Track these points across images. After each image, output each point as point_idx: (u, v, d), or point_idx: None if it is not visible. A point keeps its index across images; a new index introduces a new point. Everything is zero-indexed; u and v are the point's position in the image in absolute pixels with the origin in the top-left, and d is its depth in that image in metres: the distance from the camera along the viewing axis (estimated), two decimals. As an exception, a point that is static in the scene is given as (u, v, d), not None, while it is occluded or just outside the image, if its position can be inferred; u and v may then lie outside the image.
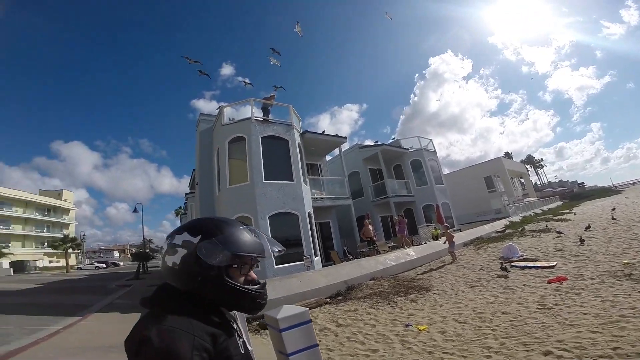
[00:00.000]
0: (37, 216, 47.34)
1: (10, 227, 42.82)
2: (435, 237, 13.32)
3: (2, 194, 42.05)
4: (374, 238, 12.49)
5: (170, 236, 0.88)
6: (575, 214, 19.58)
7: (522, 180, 38.37)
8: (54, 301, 11.76)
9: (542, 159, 75.01)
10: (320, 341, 3.98)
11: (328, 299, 7.89)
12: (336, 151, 17.39)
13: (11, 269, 33.36)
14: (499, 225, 16.73)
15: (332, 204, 14.54)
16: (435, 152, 21.78)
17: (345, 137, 16.61)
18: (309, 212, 11.99)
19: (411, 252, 11.06)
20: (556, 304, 5.01)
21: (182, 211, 34.97)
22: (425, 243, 12.59)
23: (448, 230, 10.92)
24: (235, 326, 0.88)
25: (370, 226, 12.39)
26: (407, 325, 5.35)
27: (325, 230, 14.72)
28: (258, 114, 12.63)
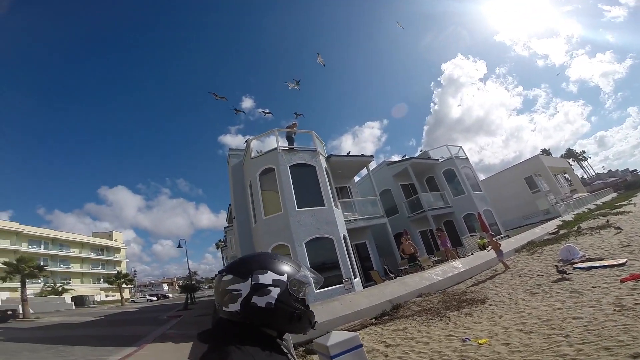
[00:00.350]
0: (92, 255, 51.52)
1: (70, 266, 46.96)
2: (482, 247, 12.45)
3: (61, 238, 46.45)
4: (415, 254, 11.94)
5: (252, 277, 0.86)
6: (635, 204, 17.60)
7: (567, 175, 35.24)
8: (112, 332, 12.49)
9: (583, 151, 69.15)
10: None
11: (373, 320, 7.52)
12: (364, 171, 17.30)
13: (73, 303, 35.99)
14: (551, 226, 15.31)
15: (367, 224, 14.24)
16: (467, 158, 20.91)
17: (372, 156, 16.53)
18: (343, 235, 11.82)
19: (458, 265, 10.37)
20: (637, 304, 4.42)
21: (223, 244, 36.28)
22: (472, 254, 11.77)
23: (493, 239, 10.18)
24: (289, 356, 0.90)
25: (409, 242, 11.91)
26: (464, 340, 4.93)
27: (363, 251, 14.33)
28: (283, 143, 13.01)
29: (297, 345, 6.23)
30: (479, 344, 4.63)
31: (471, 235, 15.03)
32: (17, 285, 23.80)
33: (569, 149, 66.74)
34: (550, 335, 4.26)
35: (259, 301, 0.84)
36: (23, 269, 22.20)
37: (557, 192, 27.41)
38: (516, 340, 4.41)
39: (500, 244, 9.85)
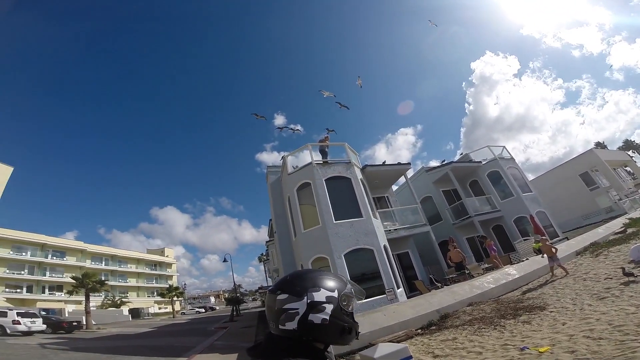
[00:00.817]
0: (147, 270, 55.12)
1: (127, 281, 50.58)
2: (538, 251, 11.37)
3: (120, 255, 50.59)
4: (463, 262, 11.28)
5: (307, 295, 0.89)
6: None
7: (629, 169, 30.94)
8: (165, 343, 13.24)
9: None
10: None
11: (419, 330, 7.19)
12: (402, 179, 16.90)
13: (129, 315, 38.81)
14: (616, 225, 13.51)
15: (408, 234, 13.77)
16: (512, 158, 19.43)
17: (409, 164, 16.12)
18: (384, 245, 11.56)
19: (512, 271, 9.59)
20: None
21: (265, 257, 37.38)
22: (527, 259, 10.79)
23: (547, 242, 9.28)
24: None
25: (456, 250, 11.29)
26: (522, 349, 4.56)
27: (405, 261, 13.81)
28: (317, 157, 13.25)
29: (338, 357, 6.16)
30: (540, 352, 4.26)
31: (524, 240, 13.79)
32: (82, 298, 26.06)
33: (627, 139, 58.94)
34: (624, 341, 3.81)
35: (315, 318, 0.87)
36: (87, 283, 24.31)
37: (619, 188, 24.27)
38: (583, 347, 4.00)
39: (555, 249, 8.98)
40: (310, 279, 0.93)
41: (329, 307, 0.88)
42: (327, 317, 0.87)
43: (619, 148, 46.98)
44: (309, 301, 0.88)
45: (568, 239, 13.67)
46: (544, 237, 9.82)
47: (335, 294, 0.91)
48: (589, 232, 12.95)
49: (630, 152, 40.86)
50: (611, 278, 6.76)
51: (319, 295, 0.89)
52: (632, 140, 57.20)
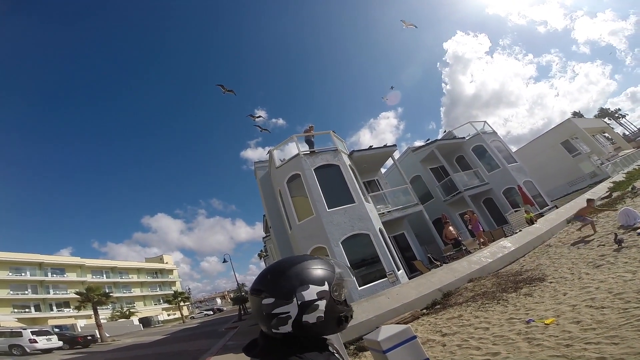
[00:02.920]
0: (149, 279, 55.14)
1: (132, 291, 50.59)
2: (530, 221, 11.69)
3: (119, 266, 50.29)
4: (459, 238, 11.48)
5: (297, 296, 0.80)
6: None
7: (607, 134, 32.40)
8: (180, 349, 13.36)
9: (618, 109, 63.40)
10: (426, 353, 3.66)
11: (424, 310, 7.34)
12: (390, 162, 16.95)
13: (140, 324, 39.48)
14: (601, 190, 14.03)
15: (402, 215, 13.93)
16: (494, 132, 19.73)
17: (395, 145, 16.11)
18: (379, 229, 11.64)
19: (507, 244, 9.83)
20: None
21: (264, 254, 37.62)
22: (520, 230, 11.10)
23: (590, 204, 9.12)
24: (337, 355, 0.88)
25: (451, 227, 11.47)
26: (528, 322, 4.68)
27: (402, 242, 14.03)
28: (303, 147, 13.03)
29: (347, 344, 6.21)
30: (545, 324, 4.37)
31: (515, 211, 14.17)
32: (90, 312, 26.29)
33: (602, 108, 61.48)
34: (627, 309, 3.92)
35: (310, 318, 0.81)
36: (92, 297, 24.48)
37: (600, 153, 25.27)
38: (587, 317, 4.11)
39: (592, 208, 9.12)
40: (296, 275, 0.83)
41: (322, 304, 0.82)
42: (322, 315, 0.81)
43: (595, 116, 48.61)
44: (299, 302, 0.80)
45: (557, 207, 14.12)
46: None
47: (326, 287, 0.83)
48: (577, 198, 13.40)
49: (606, 119, 42.34)
50: (604, 245, 7.00)
51: (309, 294, 0.81)
52: (607, 108, 59.31)
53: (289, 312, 0.79)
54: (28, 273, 36.78)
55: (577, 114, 52.88)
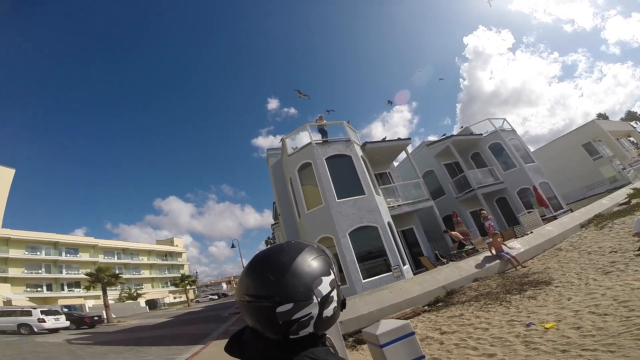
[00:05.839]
0: (159, 261, 56.20)
1: (141, 272, 51.75)
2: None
3: (131, 247, 51.59)
4: (464, 242, 11.37)
5: (315, 293, 0.72)
6: None
7: (632, 139, 30.80)
8: (182, 331, 13.82)
9: None
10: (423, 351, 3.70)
11: (426, 307, 7.40)
12: (403, 155, 16.75)
13: (147, 306, 40.47)
14: (620, 195, 13.47)
15: (412, 209, 13.83)
16: (514, 130, 19.05)
17: (409, 139, 15.87)
18: (388, 222, 11.64)
19: (517, 245, 9.69)
20: None
21: (272, 241, 38.06)
22: (531, 232, 10.88)
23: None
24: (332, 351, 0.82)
25: (455, 233, 11.39)
26: (528, 325, 4.67)
27: (410, 237, 13.99)
28: (316, 137, 13.06)
29: (346, 335, 6.32)
30: (545, 328, 4.36)
31: (528, 212, 13.85)
32: (99, 293, 27.11)
33: (630, 111, 57.66)
34: (629, 317, 3.87)
35: (329, 312, 0.74)
36: (103, 278, 25.15)
37: (623, 157, 24.12)
38: (588, 323, 4.08)
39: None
40: (305, 271, 0.73)
41: (335, 293, 0.76)
42: (336, 304, 0.76)
43: (621, 119, 46.24)
44: (319, 299, 0.72)
45: (572, 211, 13.68)
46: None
47: (332, 275, 0.77)
48: (593, 203, 12.94)
49: (633, 123, 40.19)
50: (616, 251, 6.82)
51: (324, 287, 0.74)
52: (635, 111, 56.10)
53: (310, 313, 0.70)
54: (43, 252, 37.62)
55: (601, 116, 50.38)
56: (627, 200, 12.41)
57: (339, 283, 0.79)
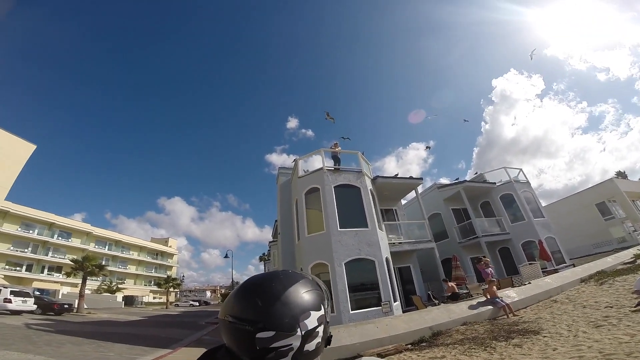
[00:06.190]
0: (148, 259, 54.88)
1: (127, 267, 50.25)
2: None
3: (124, 241, 50.62)
4: (456, 292, 10.96)
5: (300, 326, 0.70)
6: None
7: None
8: (152, 333, 13.17)
9: None
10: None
11: (409, 346, 7.11)
12: (412, 194, 16.74)
13: (123, 302, 38.96)
14: (626, 255, 12.93)
15: (412, 248, 13.59)
16: (528, 182, 18.95)
17: (421, 178, 15.88)
18: (386, 258, 11.47)
19: (512, 294, 9.33)
20: None
21: (266, 257, 37.45)
22: (529, 283, 10.48)
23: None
24: None
25: (452, 285, 11.05)
26: (506, 370, 4.48)
27: (406, 275, 13.60)
28: (328, 163, 13.22)
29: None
30: (524, 374, 4.19)
31: (529, 264, 13.39)
32: (79, 281, 25.86)
33: None
34: (610, 369, 3.72)
35: (311, 346, 0.72)
36: (86, 266, 24.26)
37: (636, 219, 23.27)
38: (567, 373, 3.92)
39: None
40: (295, 302, 0.72)
41: (321, 329, 0.74)
42: (320, 339, 0.74)
43: (640, 179, 44.89)
44: (303, 333, 0.70)
45: (575, 266, 13.18)
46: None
47: (322, 311, 0.76)
48: (597, 260, 12.47)
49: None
50: (612, 307, 6.53)
51: (311, 321, 0.72)
52: (656, 170, 54.44)
53: (291, 345, 0.69)
54: (36, 231, 36.70)
55: (620, 174, 48.92)
56: (632, 259, 11.92)
57: (328, 320, 0.79)
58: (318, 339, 0.73)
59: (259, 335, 0.67)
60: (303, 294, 0.74)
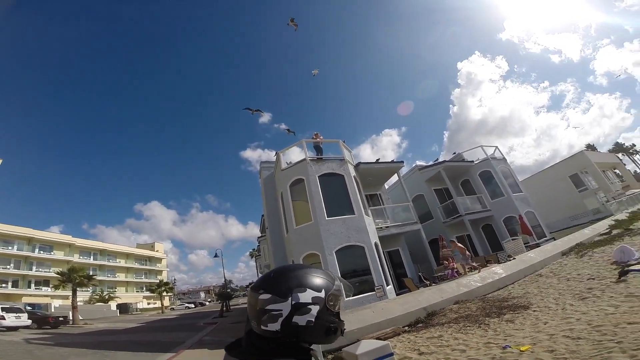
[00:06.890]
0: (137, 265, 54.49)
1: (116, 275, 49.98)
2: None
3: (109, 249, 49.79)
4: (452, 261, 11.44)
5: (292, 297, 0.83)
6: None
7: (617, 171, 31.72)
8: (152, 338, 13.14)
9: (633, 144, 60.51)
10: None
11: (406, 328, 7.30)
12: (394, 178, 16.98)
13: (117, 310, 38.60)
14: (602, 226, 13.86)
15: (400, 231, 13.89)
16: (504, 159, 19.64)
17: (402, 162, 16.11)
18: (375, 242, 11.64)
19: (499, 270, 9.76)
20: None
21: (257, 253, 37.83)
22: (514, 258, 11.00)
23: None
24: None
25: (444, 249, 11.45)
26: (504, 347, 4.66)
27: (396, 258, 13.94)
28: (310, 153, 13.15)
29: (325, 353, 6.22)
30: (520, 351, 4.36)
31: (512, 239, 14.05)
32: (69, 293, 25.46)
33: (618, 142, 59.49)
34: (601, 341, 3.91)
35: (300, 320, 0.82)
36: (74, 278, 23.78)
37: (608, 190, 24.91)
38: (562, 347, 4.10)
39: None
40: (296, 277, 0.86)
41: (315, 309, 0.83)
42: (313, 319, 0.83)
43: (609, 151, 47.72)
44: (293, 302, 0.82)
45: (555, 239, 13.94)
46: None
47: (322, 294, 0.85)
48: (576, 232, 13.24)
49: (620, 155, 41.55)
50: (593, 278, 6.94)
51: (305, 296, 0.83)
52: (623, 143, 57.96)
53: (281, 310, 0.81)
54: (15, 247, 36.04)
55: (590, 147, 51.77)
56: (608, 230, 12.73)
57: (330, 309, 0.86)
58: (309, 317, 0.82)
59: (260, 297, 0.84)
60: (308, 275, 0.88)
